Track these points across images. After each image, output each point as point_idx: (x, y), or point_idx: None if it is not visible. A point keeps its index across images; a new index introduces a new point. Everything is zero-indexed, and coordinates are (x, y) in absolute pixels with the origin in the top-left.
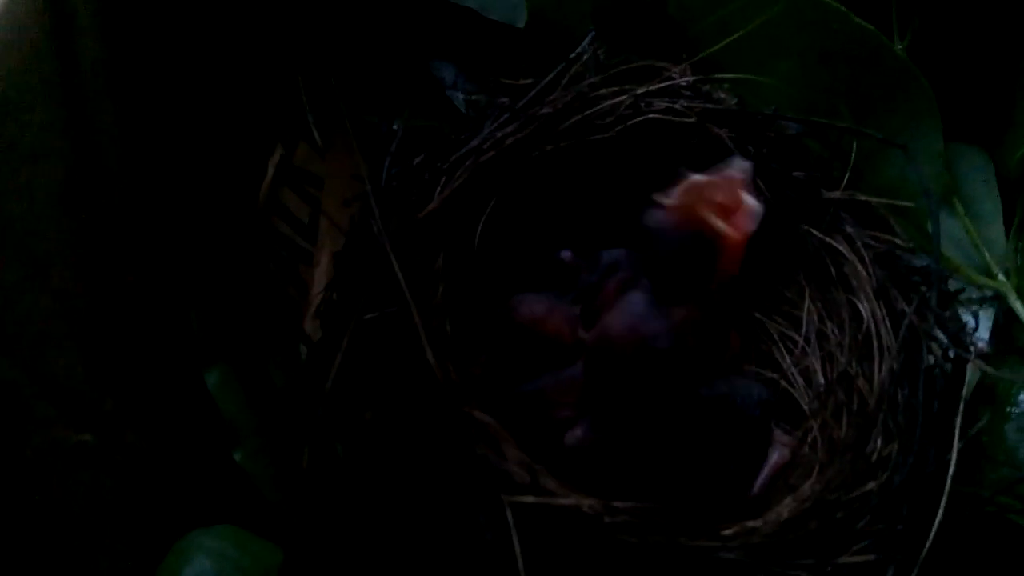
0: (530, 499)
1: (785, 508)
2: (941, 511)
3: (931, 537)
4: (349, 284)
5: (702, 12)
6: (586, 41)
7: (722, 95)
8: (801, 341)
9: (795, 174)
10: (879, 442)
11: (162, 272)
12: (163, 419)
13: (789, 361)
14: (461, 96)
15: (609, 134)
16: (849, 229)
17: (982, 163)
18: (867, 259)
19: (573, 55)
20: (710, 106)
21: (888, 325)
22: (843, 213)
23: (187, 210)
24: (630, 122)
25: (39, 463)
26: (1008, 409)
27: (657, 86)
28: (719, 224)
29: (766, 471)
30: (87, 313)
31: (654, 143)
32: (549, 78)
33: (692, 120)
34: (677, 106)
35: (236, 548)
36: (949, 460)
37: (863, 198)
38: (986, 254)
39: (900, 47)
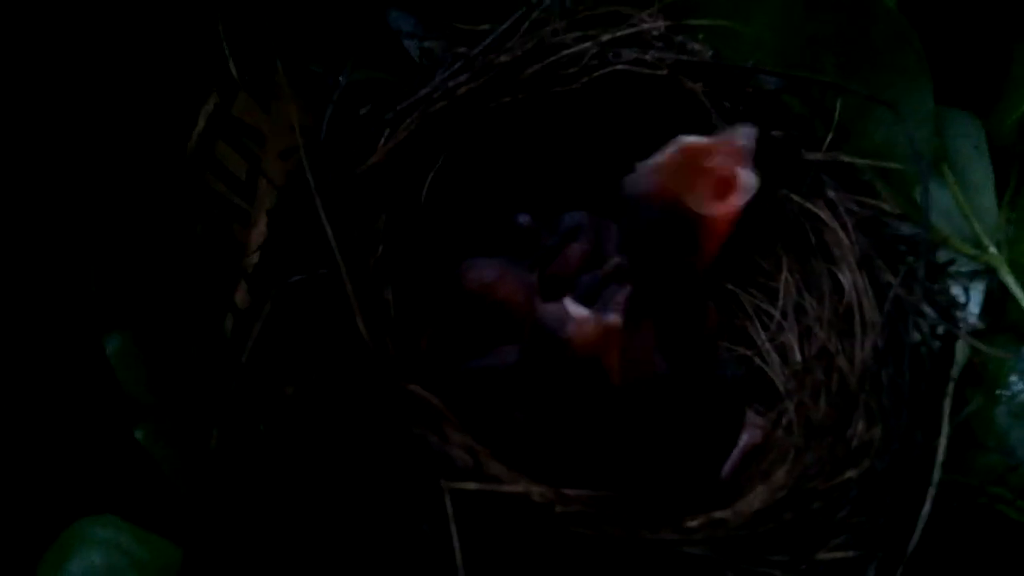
0: (472, 486)
1: (757, 498)
2: (928, 502)
3: (917, 531)
4: (279, 245)
5: None
6: None
7: (696, 46)
8: (777, 315)
9: (774, 133)
10: (861, 426)
11: (61, 225)
12: (53, 390)
13: (764, 336)
14: (417, 46)
15: (573, 86)
16: (831, 193)
17: (973, 128)
18: (850, 226)
19: None
20: (683, 58)
21: (872, 298)
22: (825, 176)
23: (94, 157)
24: (596, 74)
25: None
26: (998, 392)
27: (626, 32)
28: (703, 209)
29: (735, 454)
30: None
31: (622, 97)
32: (508, 23)
33: (664, 73)
34: (647, 57)
35: (132, 540)
36: (937, 446)
37: (847, 159)
38: (976, 225)
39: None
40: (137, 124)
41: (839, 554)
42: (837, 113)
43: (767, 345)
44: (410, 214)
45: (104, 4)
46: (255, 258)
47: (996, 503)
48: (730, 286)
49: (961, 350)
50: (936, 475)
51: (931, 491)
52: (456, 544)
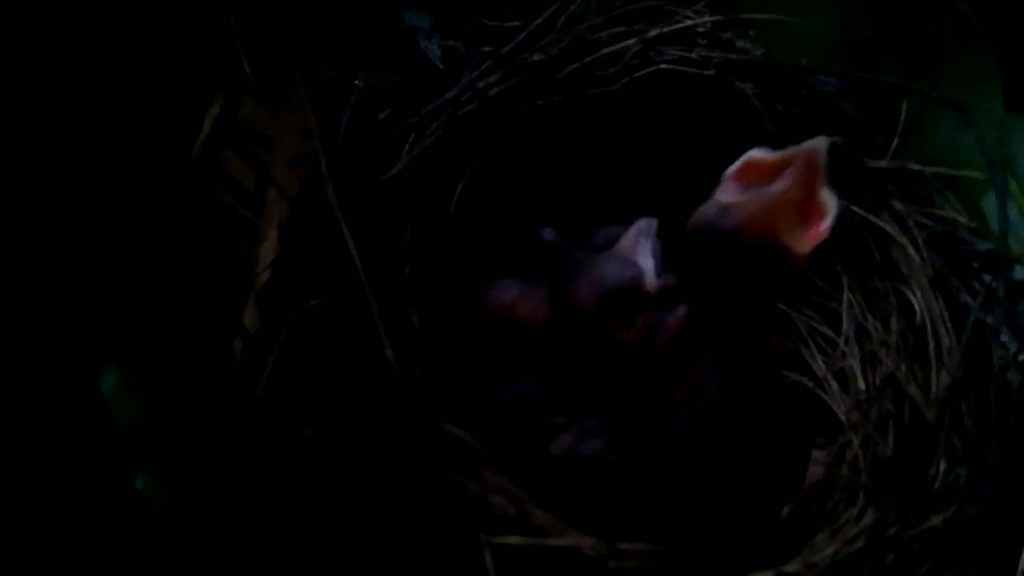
0: (516, 539)
1: (828, 546)
2: None
3: None
4: (294, 263)
5: None
6: None
7: (746, 44)
8: (839, 340)
9: (834, 139)
10: (942, 465)
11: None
12: (44, 433)
13: (821, 362)
14: (438, 49)
15: (613, 87)
16: (898, 205)
17: None
18: (920, 241)
19: None
20: (732, 56)
21: (948, 321)
22: (890, 186)
23: (90, 166)
24: (637, 74)
25: None
26: None
27: (670, 30)
28: (794, 241)
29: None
30: None
31: (666, 100)
32: (542, 19)
33: (711, 73)
34: (693, 55)
35: None
36: None
37: (915, 167)
38: None
39: None
40: (137, 129)
41: None
42: (902, 116)
43: (825, 371)
44: (438, 228)
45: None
46: (265, 276)
47: None
48: (782, 306)
49: None
50: None
51: None
52: None
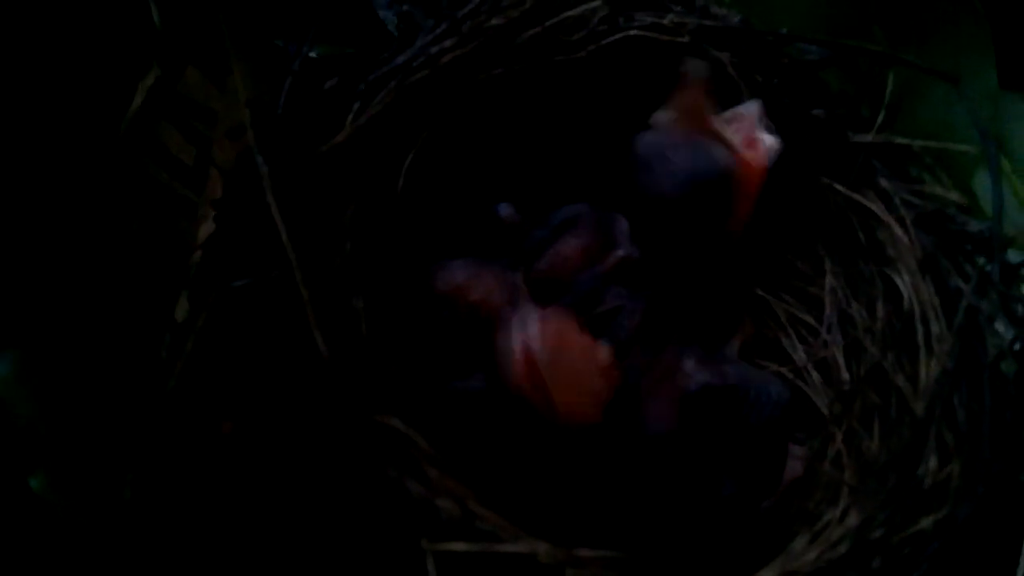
0: (462, 546)
1: (809, 551)
2: None
3: None
4: (224, 242)
5: None
6: None
7: (722, 10)
8: (821, 328)
9: (815, 112)
10: (932, 462)
11: None
12: None
13: (802, 351)
14: (395, 18)
15: (578, 55)
16: (884, 183)
17: None
18: (908, 221)
19: None
20: (708, 23)
21: (938, 307)
22: (876, 162)
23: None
24: (605, 41)
25: None
26: None
27: None
28: (736, 143)
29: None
30: None
31: (636, 69)
32: None
33: (685, 40)
34: (665, 21)
35: None
36: None
37: (903, 142)
38: None
39: None
40: (59, 97)
41: None
42: (889, 88)
43: (805, 361)
44: (384, 205)
45: None
46: (198, 259)
47: None
48: (760, 291)
49: None
50: None
51: None
52: None
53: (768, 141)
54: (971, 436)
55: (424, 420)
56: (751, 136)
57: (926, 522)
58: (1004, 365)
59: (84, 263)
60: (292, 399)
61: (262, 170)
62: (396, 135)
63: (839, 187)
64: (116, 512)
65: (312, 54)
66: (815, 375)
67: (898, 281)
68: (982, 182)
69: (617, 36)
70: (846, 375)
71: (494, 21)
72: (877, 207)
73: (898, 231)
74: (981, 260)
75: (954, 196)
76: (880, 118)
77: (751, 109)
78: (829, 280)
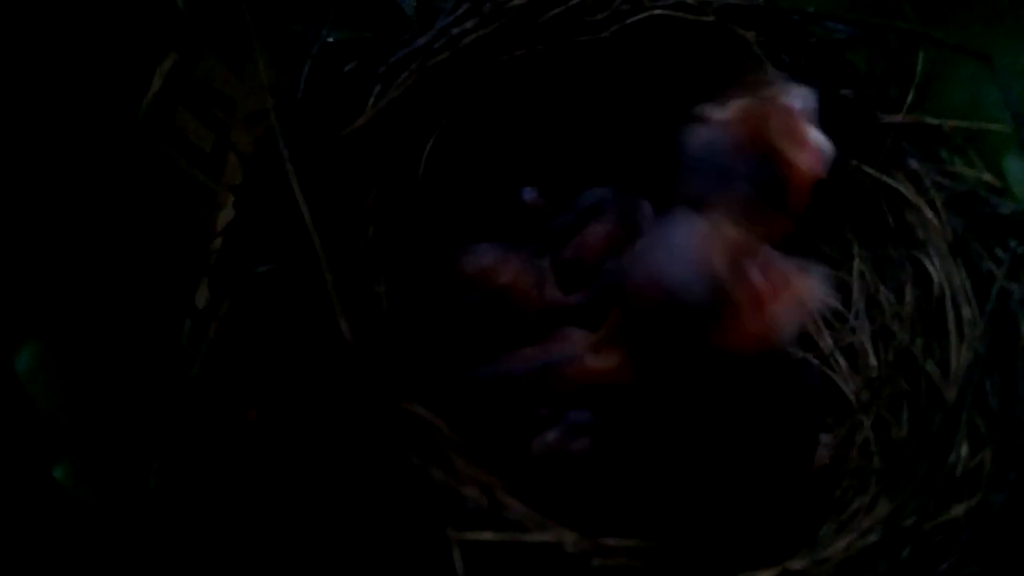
0: (489, 535)
1: (839, 540)
2: None
3: None
4: (245, 228)
5: None
6: None
7: None
8: (848, 313)
9: (843, 92)
10: (965, 449)
11: None
12: None
13: (828, 337)
14: (413, 1)
15: (601, 35)
16: (914, 164)
17: None
18: (939, 204)
19: None
20: (733, 1)
21: (970, 291)
22: (905, 143)
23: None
24: (628, 20)
25: None
26: None
27: None
28: (792, 151)
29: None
30: None
31: (660, 49)
32: None
33: (710, 19)
34: (690, 0)
35: None
36: None
37: (933, 122)
38: None
39: None
40: (76, 83)
41: None
42: (920, 67)
43: (832, 347)
44: (406, 189)
45: None
46: (219, 246)
47: None
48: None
49: None
50: None
51: None
52: None
53: (823, 145)
54: (1004, 422)
55: (454, 407)
56: (803, 138)
57: (958, 510)
58: None
59: (103, 251)
60: (316, 386)
61: (285, 155)
62: (417, 118)
63: (868, 169)
64: (141, 503)
65: (330, 39)
66: (842, 361)
67: (928, 265)
68: (1014, 163)
69: (641, 16)
70: (874, 361)
71: (515, 2)
72: (907, 189)
73: (928, 213)
74: (1013, 243)
75: (986, 177)
76: (910, 98)
77: (803, 102)
78: (857, 264)
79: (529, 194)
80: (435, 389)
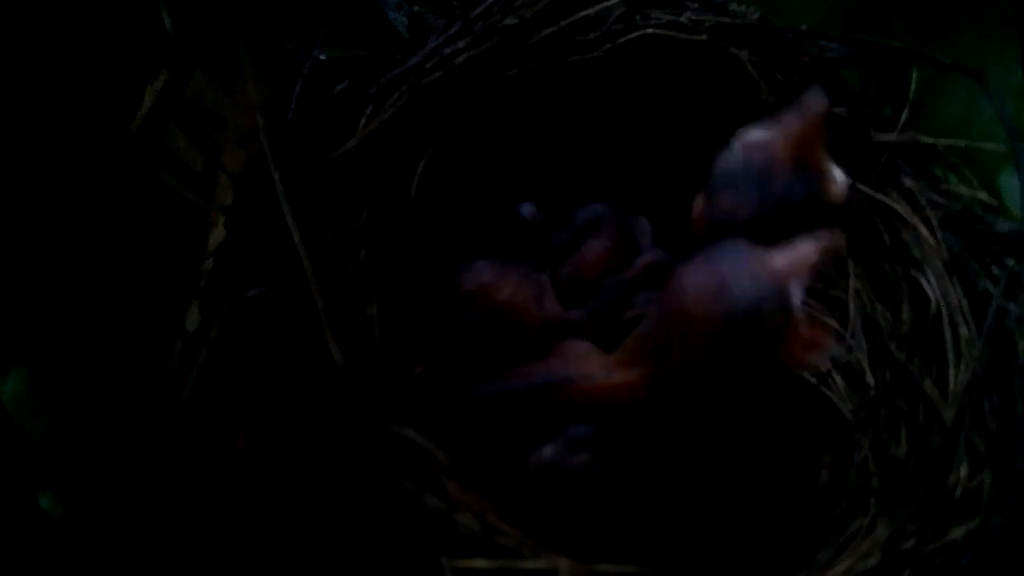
0: (483, 563)
1: (840, 564)
2: None
3: None
4: (236, 250)
5: None
6: None
7: (740, 7)
8: (845, 331)
9: (836, 111)
10: (964, 470)
11: None
12: None
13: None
14: (405, 19)
15: (594, 55)
16: (908, 182)
17: None
18: (934, 222)
19: None
20: (725, 20)
21: (966, 310)
22: (900, 161)
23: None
24: (621, 39)
25: None
26: None
27: None
28: (834, 170)
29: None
30: None
31: (652, 68)
32: None
33: (702, 38)
34: (683, 19)
35: None
36: None
37: (928, 140)
38: None
39: None
40: (67, 101)
41: None
42: (913, 85)
43: (829, 366)
44: (398, 209)
45: None
46: (210, 267)
47: None
48: None
49: None
50: None
51: None
52: None
53: (839, 177)
54: (1003, 444)
55: (452, 429)
56: (814, 161)
57: (957, 532)
58: None
59: (91, 272)
60: (307, 412)
61: (275, 176)
62: (410, 138)
63: (862, 187)
64: (128, 531)
65: (322, 57)
66: (839, 380)
67: (924, 283)
68: (1008, 181)
69: (634, 35)
70: (871, 380)
71: (508, 21)
72: (902, 207)
73: (923, 232)
74: (1010, 261)
75: (981, 195)
76: (903, 116)
77: (816, 107)
78: (853, 283)
79: (528, 209)
80: (435, 407)
